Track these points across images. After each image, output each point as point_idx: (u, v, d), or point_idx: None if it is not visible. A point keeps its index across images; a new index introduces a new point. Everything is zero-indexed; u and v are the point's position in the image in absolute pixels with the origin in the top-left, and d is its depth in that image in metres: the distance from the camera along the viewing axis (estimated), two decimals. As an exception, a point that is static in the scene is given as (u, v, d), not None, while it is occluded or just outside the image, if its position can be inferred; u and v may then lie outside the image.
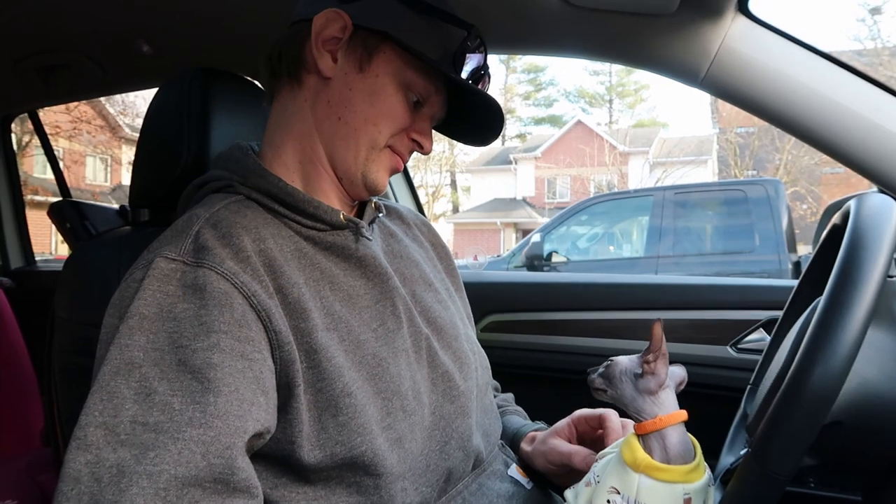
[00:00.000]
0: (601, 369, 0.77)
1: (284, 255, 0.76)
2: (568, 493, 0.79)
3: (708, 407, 1.39)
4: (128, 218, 1.12)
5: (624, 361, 0.75)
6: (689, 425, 1.41)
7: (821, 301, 0.68)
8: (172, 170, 1.00)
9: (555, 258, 6.52)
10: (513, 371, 1.21)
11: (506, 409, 1.10)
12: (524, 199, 26.75)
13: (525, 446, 1.01)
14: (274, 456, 0.72)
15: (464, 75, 0.83)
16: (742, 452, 0.93)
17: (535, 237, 6.49)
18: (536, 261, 6.17)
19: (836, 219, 0.88)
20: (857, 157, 1.01)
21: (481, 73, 0.86)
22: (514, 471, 0.94)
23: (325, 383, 0.72)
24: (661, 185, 11.01)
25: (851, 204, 0.78)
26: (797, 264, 5.47)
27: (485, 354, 1.02)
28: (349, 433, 0.72)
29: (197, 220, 0.75)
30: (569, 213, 6.97)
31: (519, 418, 1.09)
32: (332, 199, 0.84)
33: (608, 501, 0.68)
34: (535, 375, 1.53)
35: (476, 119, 0.87)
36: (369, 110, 0.81)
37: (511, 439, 1.04)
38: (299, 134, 0.83)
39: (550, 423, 1.12)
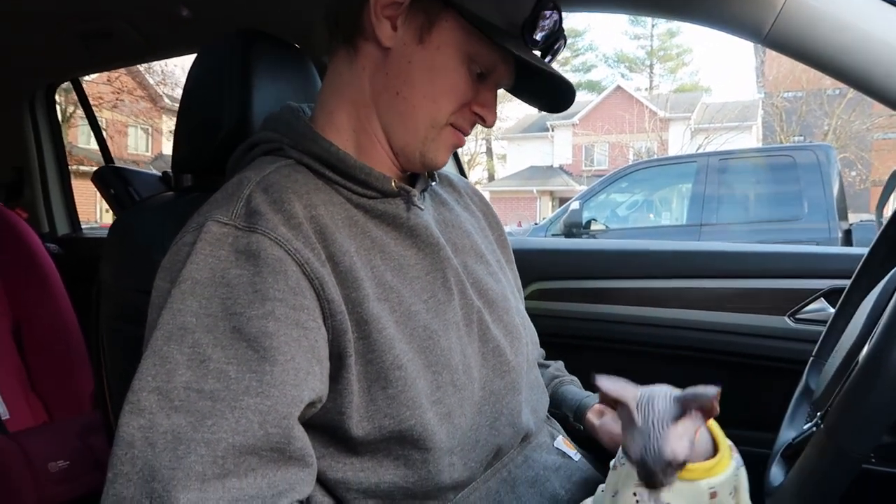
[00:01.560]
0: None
1: (336, 222, 0.74)
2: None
3: (765, 378, 1.35)
4: (171, 184, 1.12)
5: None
6: (745, 398, 1.37)
7: None
8: (214, 135, 0.98)
9: (594, 226, 6.43)
10: (558, 340, 1.17)
11: (562, 380, 1.08)
12: (561, 167, 26.43)
13: (592, 418, 0.98)
14: (322, 425, 0.71)
15: (537, 40, 0.77)
16: (805, 427, 0.89)
17: (575, 204, 6.40)
18: (575, 228, 6.09)
19: (916, 182, 0.82)
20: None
21: (556, 38, 0.79)
22: (561, 443, 0.92)
23: (376, 355, 0.71)
24: (706, 152, 10.73)
25: None
26: (848, 232, 5.31)
27: (534, 329, 0.99)
28: (398, 406, 0.71)
29: (248, 182, 0.73)
30: (609, 180, 6.85)
31: (578, 389, 1.07)
32: (384, 168, 0.80)
33: (634, 494, 0.65)
34: (581, 345, 1.50)
35: (546, 84, 0.81)
36: (429, 87, 0.76)
37: (574, 411, 1.01)
38: (354, 102, 0.80)
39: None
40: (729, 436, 1.43)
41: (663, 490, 0.63)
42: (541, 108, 0.87)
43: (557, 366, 1.12)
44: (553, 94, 0.81)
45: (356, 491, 0.73)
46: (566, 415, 1.02)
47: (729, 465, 0.67)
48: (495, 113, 0.82)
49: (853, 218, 6.44)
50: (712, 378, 1.42)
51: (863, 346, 0.73)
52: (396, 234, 0.79)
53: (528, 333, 0.94)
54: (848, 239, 5.29)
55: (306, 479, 0.65)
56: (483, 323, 0.83)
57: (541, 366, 1.11)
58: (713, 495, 0.65)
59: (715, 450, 0.69)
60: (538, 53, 0.80)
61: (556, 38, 0.79)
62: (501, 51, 0.75)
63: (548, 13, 0.77)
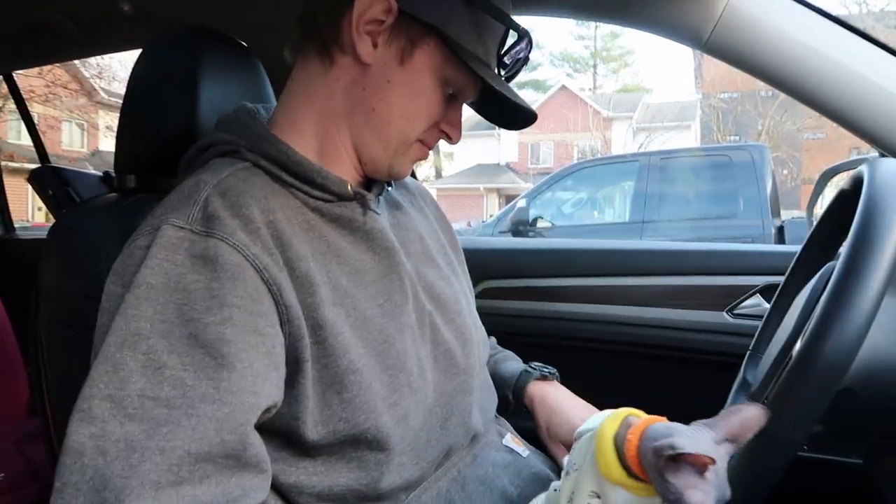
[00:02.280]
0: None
1: (293, 227, 0.73)
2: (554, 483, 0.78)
3: (705, 372, 1.40)
4: (113, 185, 1.08)
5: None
6: (687, 391, 1.42)
7: (836, 266, 0.67)
8: (160, 135, 0.96)
9: (540, 224, 6.51)
10: (508, 338, 1.19)
11: (496, 358, 1.10)
12: (507, 165, 26.64)
13: (533, 391, 1.02)
14: (276, 430, 0.71)
15: (507, 64, 0.81)
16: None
17: (521, 202, 6.46)
18: (522, 226, 6.15)
19: (844, 184, 0.87)
20: (861, 120, 0.99)
21: (523, 63, 0.82)
22: (510, 440, 0.94)
23: (331, 359, 0.71)
24: (647, 151, 10.99)
25: (864, 169, 0.77)
26: (780, 229, 5.52)
27: (484, 330, 1.01)
28: (353, 410, 0.71)
29: (205, 186, 0.71)
30: (555, 179, 6.94)
31: (516, 363, 1.09)
32: (346, 174, 0.80)
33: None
34: (530, 342, 1.53)
35: (507, 107, 0.82)
36: (406, 106, 0.77)
37: (513, 390, 1.04)
38: (324, 111, 0.79)
39: None
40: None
41: (618, 502, 0.63)
42: (497, 125, 0.88)
43: (492, 342, 1.14)
44: (512, 116, 0.84)
45: (309, 495, 0.73)
46: (506, 394, 1.04)
47: None
48: (461, 131, 0.84)
49: (785, 215, 6.70)
50: (655, 373, 1.48)
51: (796, 340, 0.77)
52: (352, 239, 0.78)
53: (479, 335, 0.95)
54: (781, 235, 5.50)
55: (261, 486, 0.65)
56: (434, 326, 0.84)
57: None
58: None
59: None
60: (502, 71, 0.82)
61: (522, 64, 0.82)
62: (476, 77, 0.76)
63: (524, 44, 0.79)
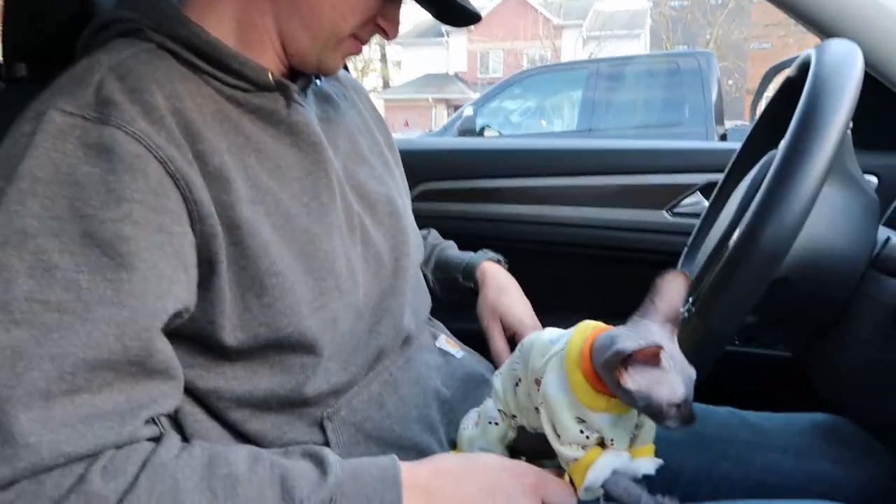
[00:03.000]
0: None
1: (204, 117, 0.66)
2: (496, 382, 0.75)
3: (643, 271, 1.38)
4: (1, 74, 0.97)
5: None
6: (627, 290, 1.42)
7: (778, 151, 0.63)
8: (53, 17, 0.86)
9: (487, 133, 6.42)
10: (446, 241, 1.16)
11: (442, 246, 1.09)
12: (456, 75, 26.08)
13: (486, 267, 1.02)
14: (190, 335, 0.66)
15: None
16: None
17: (468, 111, 6.35)
18: (469, 135, 6.06)
19: (790, 71, 0.83)
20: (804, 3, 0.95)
21: None
22: (443, 342, 0.91)
23: (250, 261, 0.65)
24: (596, 58, 10.86)
25: (812, 52, 0.73)
26: (723, 137, 5.59)
27: (419, 232, 0.96)
28: (274, 314, 0.67)
29: (99, 67, 0.63)
30: (502, 87, 6.83)
31: (460, 252, 1.08)
32: (268, 64, 0.73)
33: (581, 431, 0.62)
34: (469, 244, 1.48)
35: (450, 4, 0.76)
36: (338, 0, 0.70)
37: (462, 271, 1.03)
38: None
39: None
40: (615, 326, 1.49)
41: (602, 426, 0.61)
42: (441, 21, 0.81)
43: (435, 234, 1.13)
44: (457, 14, 0.77)
45: (228, 400, 0.69)
46: (455, 276, 1.03)
47: None
48: (398, 28, 0.77)
49: (729, 124, 6.77)
50: (595, 273, 1.47)
51: (732, 232, 0.75)
52: (274, 132, 0.72)
53: (415, 237, 0.91)
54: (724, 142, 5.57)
55: (170, 393, 0.61)
56: (364, 227, 0.80)
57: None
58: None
59: None
60: None
61: None
62: None
63: None
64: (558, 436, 0.64)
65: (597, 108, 6.14)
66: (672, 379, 0.56)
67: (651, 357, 0.55)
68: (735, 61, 22.72)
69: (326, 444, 0.72)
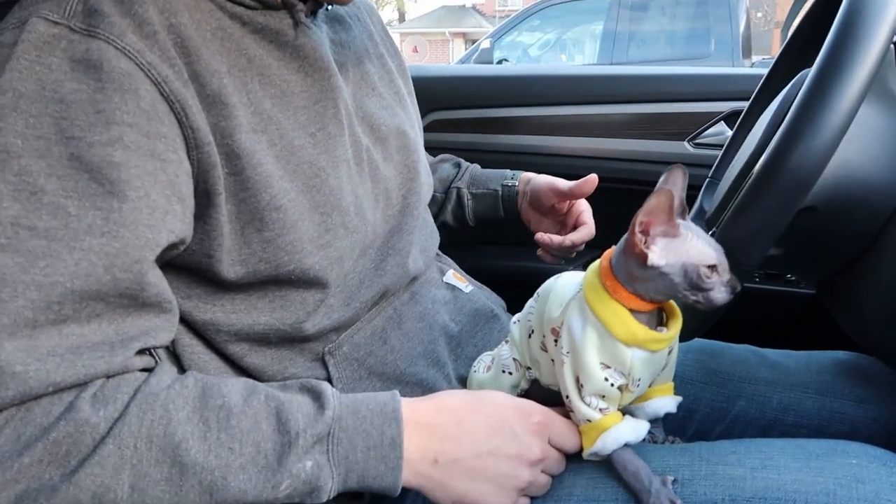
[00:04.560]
0: None
1: (202, 34, 0.61)
2: (513, 329, 0.72)
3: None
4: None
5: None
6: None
7: (812, 69, 0.58)
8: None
9: (504, 67, 6.26)
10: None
11: (474, 166, 1.08)
12: (474, 7, 25.33)
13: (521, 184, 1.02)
14: (187, 267, 0.63)
15: None
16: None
17: (485, 43, 6.17)
18: (486, 69, 5.91)
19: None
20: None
21: None
22: (451, 277, 0.88)
23: (250, 193, 0.62)
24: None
25: None
26: (750, 71, 5.38)
27: (429, 167, 0.92)
28: (275, 250, 0.64)
29: None
30: (520, 18, 6.60)
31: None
32: None
33: (606, 379, 0.59)
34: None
35: None
36: None
37: (503, 178, 1.03)
38: None
39: (501, 228, 1.06)
40: None
41: (634, 365, 0.59)
42: None
43: (457, 160, 1.12)
44: None
45: (226, 333, 0.67)
46: (493, 190, 1.03)
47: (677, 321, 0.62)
48: None
49: (756, 58, 6.53)
50: (614, 207, 1.42)
51: (758, 158, 0.70)
52: (280, 55, 0.67)
53: (425, 172, 0.87)
54: (750, 78, 5.37)
55: (163, 326, 0.58)
56: (373, 162, 0.75)
57: (443, 161, 1.11)
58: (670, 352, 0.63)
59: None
60: None
61: None
62: None
63: None
64: (580, 388, 0.61)
65: (618, 40, 5.92)
66: (697, 242, 0.55)
67: (662, 218, 0.55)
68: (765, -8, 21.83)
69: (328, 379, 0.70)
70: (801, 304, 1.24)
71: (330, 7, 0.78)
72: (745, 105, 1.10)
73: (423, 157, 0.87)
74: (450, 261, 0.94)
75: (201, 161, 0.59)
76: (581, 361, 0.60)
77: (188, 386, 0.56)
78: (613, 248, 0.60)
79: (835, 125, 0.54)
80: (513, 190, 1.01)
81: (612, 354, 0.59)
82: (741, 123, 0.95)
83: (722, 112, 1.29)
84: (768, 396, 0.80)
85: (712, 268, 0.55)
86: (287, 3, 0.66)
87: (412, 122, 0.86)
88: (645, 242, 0.55)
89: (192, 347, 0.67)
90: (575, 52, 7.45)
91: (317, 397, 0.59)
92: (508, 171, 1.04)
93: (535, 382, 0.70)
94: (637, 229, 0.55)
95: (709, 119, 1.30)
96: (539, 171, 1.43)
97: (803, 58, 0.85)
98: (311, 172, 0.66)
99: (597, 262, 0.62)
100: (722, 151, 0.97)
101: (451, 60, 20.51)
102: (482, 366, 0.75)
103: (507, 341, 0.73)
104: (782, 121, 0.69)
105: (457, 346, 0.81)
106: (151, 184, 0.55)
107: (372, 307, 0.75)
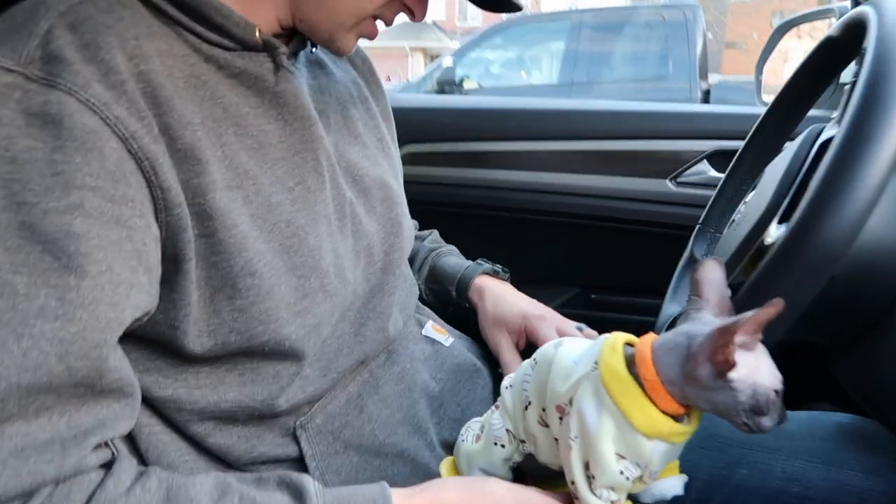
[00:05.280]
0: None
1: (175, 81, 0.55)
2: (505, 395, 0.66)
3: (646, 245, 1.31)
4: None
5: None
6: (629, 264, 1.33)
7: (839, 131, 0.54)
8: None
9: (466, 84, 6.26)
10: (433, 208, 1.06)
11: (440, 251, 0.97)
12: (434, 23, 25.46)
13: (482, 283, 0.90)
14: (148, 338, 0.56)
15: None
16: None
17: (447, 61, 6.18)
18: (448, 86, 5.91)
19: (832, 31, 0.73)
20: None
21: None
22: (430, 329, 0.82)
23: (222, 257, 0.55)
24: (580, 8, 10.65)
25: (867, 10, 0.63)
26: (707, 92, 5.50)
27: (411, 220, 0.86)
28: (248, 320, 0.57)
29: (46, 12, 0.51)
30: (483, 37, 6.66)
31: (459, 259, 0.96)
32: (258, 19, 0.61)
33: (622, 473, 0.53)
34: (458, 213, 1.41)
35: None
36: None
37: (457, 285, 0.91)
38: None
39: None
40: (615, 303, 1.41)
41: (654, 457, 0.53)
42: (479, 6, 0.70)
43: (433, 237, 1.01)
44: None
45: (189, 411, 0.60)
46: (447, 290, 0.92)
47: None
48: (426, 8, 0.67)
49: (714, 80, 6.68)
50: (594, 245, 1.37)
51: (771, 218, 0.66)
52: (257, 102, 0.61)
53: (408, 225, 0.80)
54: (707, 98, 5.49)
55: (123, 413, 0.51)
56: (356, 216, 0.69)
57: (416, 238, 1.00)
58: None
59: None
60: None
61: None
62: None
63: None
64: (590, 478, 0.55)
65: (579, 60, 5.99)
66: (768, 360, 0.50)
67: (757, 330, 0.48)
68: (715, 14, 22.47)
69: (301, 456, 0.64)
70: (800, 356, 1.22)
71: (314, 50, 0.73)
72: (727, 144, 1.08)
73: (405, 209, 0.81)
74: (427, 311, 0.88)
75: (171, 224, 0.52)
76: (595, 451, 0.54)
77: (151, 489, 0.49)
78: (652, 335, 0.55)
79: (866, 197, 0.51)
80: (466, 301, 0.92)
81: (631, 446, 0.53)
82: (733, 169, 0.92)
83: (704, 151, 1.26)
84: (771, 465, 0.76)
85: (777, 392, 0.50)
86: (268, 45, 0.60)
87: (395, 172, 0.80)
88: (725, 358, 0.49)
89: (150, 428, 0.60)
90: (535, 70, 7.52)
91: (297, 495, 0.53)
92: (464, 272, 0.92)
93: (530, 456, 0.65)
94: (736, 338, 0.48)
95: (691, 158, 1.27)
96: (517, 207, 1.40)
97: (801, 106, 0.82)
98: (288, 232, 0.60)
99: (617, 342, 0.56)
100: (713, 198, 0.93)
101: (410, 76, 20.53)
102: (471, 434, 0.69)
103: (497, 407, 0.68)
104: (794, 181, 0.66)
105: (439, 407, 0.75)
106: (115, 255, 0.48)
107: (349, 375, 0.69)
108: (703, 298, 0.54)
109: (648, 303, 1.26)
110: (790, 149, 0.71)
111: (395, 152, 0.84)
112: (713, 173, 1.23)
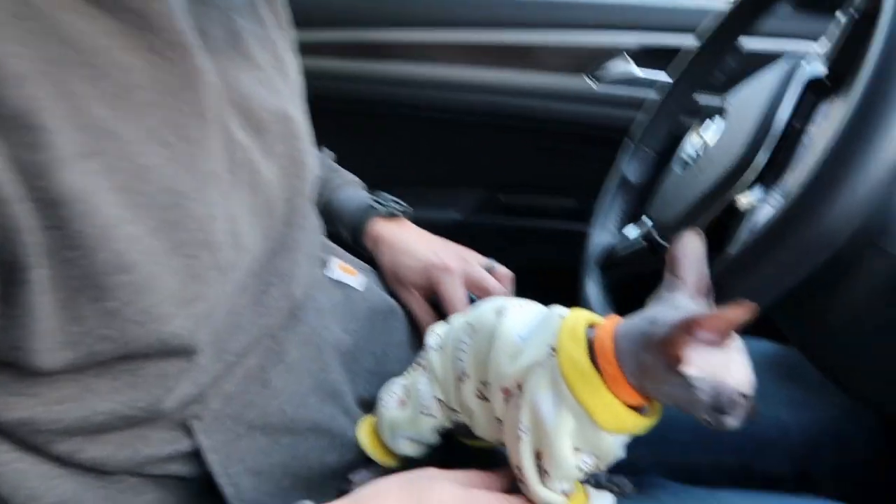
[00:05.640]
0: None
1: None
2: (433, 357, 0.60)
3: (566, 147, 1.22)
4: None
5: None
6: (549, 165, 1.25)
7: (851, 98, 0.46)
8: None
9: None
10: (327, 105, 0.89)
11: (333, 184, 0.84)
12: None
13: (377, 231, 0.80)
14: None
15: None
16: (633, 236, 0.78)
17: None
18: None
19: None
20: None
21: None
22: (338, 270, 0.71)
23: (80, 253, 0.42)
24: None
25: None
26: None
27: (315, 153, 0.71)
28: (122, 324, 0.45)
29: None
30: None
31: (355, 192, 0.84)
32: None
33: (579, 467, 0.50)
34: (353, 111, 1.25)
35: None
36: None
37: (353, 230, 0.80)
38: None
39: (376, 177, 0.87)
40: (530, 205, 1.33)
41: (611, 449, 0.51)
42: None
43: (327, 162, 0.87)
44: None
45: (51, 432, 0.48)
46: (341, 232, 0.81)
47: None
48: None
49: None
50: (509, 147, 1.28)
51: (740, 173, 0.59)
52: (114, 27, 0.45)
53: (312, 161, 0.66)
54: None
55: None
56: (252, 165, 0.55)
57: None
58: None
59: None
60: None
61: None
62: None
63: None
64: (542, 472, 0.50)
65: None
66: (741, 360, 0.46)
67: (723, 330, 0.44)
68: None
69: (196, 450, 0.54)
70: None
71: None
72: (655, 38, 0.99)
73: (309, 141, 0.66)
74: (333, 246, 0.76)
75: (2, 226, 0.39)
76: (551, 447, 0.49)
77: None
78: (615, 319, 0.49)
79: (880, 176, 0.44)
80: (363, 249, 0.82)
81: (591, 441, 0.49)
82: (679, 82, 0.83)
83: (625, 45, 1.15)
84: None
85: (745, 396, 0.46)
86: None
87: (295, 95, 0.65)
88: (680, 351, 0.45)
89: (0, 456, 0.48)
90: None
91: None
92: (358, 219, 0.81)
93: (464, 426, 0.59)
94: (687, 330, 0.44)
95: (610, 53, 1.16)
96: (423, 105, 1.26)
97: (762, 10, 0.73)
98: (168, 202, 0.46)
99: (577, 327, 0.50)
100: (652, 116, 0.84)
101: None
102: (395, 399, 0.61)
103: (422, 366, 0.60)
104: (769, 128, 0.59)
105: (353, 361, 0.66)
106: None
107: (249, 350, 0.59)
108: (679, 278, 0.49)
109: (569, 204, 1.21)
110: (761, 82, 0.63)
111: (292, 65, 0.68)
112: (636, 72, 1.14)
